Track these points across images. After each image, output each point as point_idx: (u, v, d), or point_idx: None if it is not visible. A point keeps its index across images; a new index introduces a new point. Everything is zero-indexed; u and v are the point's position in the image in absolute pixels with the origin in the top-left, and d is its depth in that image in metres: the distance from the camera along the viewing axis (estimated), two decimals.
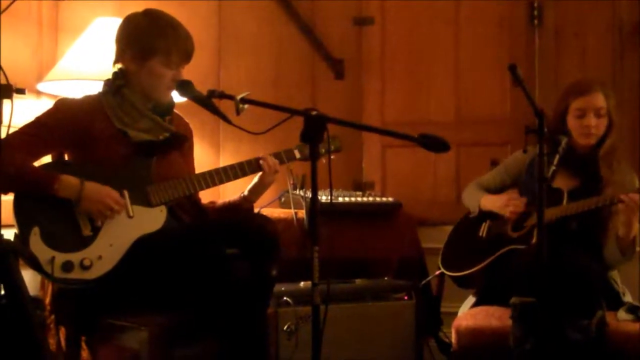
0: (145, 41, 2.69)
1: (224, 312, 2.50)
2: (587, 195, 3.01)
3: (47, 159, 2.80)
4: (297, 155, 2.87)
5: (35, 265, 2.47)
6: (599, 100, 3.07)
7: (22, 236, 2.49)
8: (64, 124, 2.65)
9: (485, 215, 3.29)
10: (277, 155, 2.84)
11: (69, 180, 2.55)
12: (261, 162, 2.79)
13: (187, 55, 2.73)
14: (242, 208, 2.88)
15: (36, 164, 2.65)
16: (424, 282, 3.41)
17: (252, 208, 2.93)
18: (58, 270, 2.47)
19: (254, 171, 2.81)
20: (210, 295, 2.50)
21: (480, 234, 3.25)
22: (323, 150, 2.73)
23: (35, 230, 2.49)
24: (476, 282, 3.17)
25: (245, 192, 2.87)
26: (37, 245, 2.48)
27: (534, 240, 3.00)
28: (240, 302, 2.51)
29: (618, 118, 3.12)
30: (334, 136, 2.92)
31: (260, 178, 2.83)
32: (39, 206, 2.53)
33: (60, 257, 2.49)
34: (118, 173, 2.63)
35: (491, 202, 3.26)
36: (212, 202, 2.94)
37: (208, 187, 2.74)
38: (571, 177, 3.09)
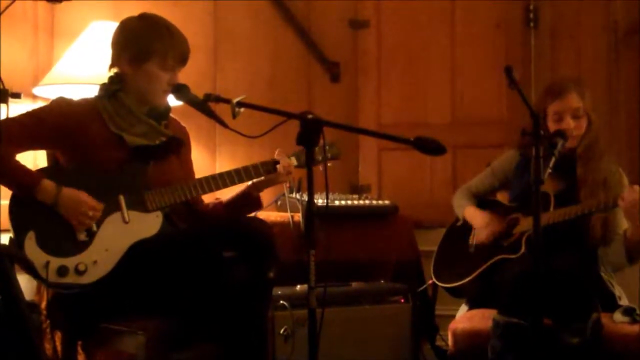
0: (141, 44, 2.68)
1: (221, 316, 2.50)
2: (572, 197, 3.00)
3: (42, 161, 2.80)
4: (294, 162, 2.87)
5: (30, 269, 2.46)
6: (574, 100, 3.03)
7: (17, 240, 2.49)
8: (59, 121, 2.63)
9: None
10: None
11: (47, 186, 2.53)
12: (278, 166, 2.78)
13: (183, 58, 2.72)
14: (250, 197, 2.86)
15: (31, 166, 2.65)
16: (420, 289, 3.40)
17: (259, 198, 2.90)
18: (53, 274, 2.47)
19: (251, 178, 2.80)
20: (208, 299, 2.49)
21: (470, 241, 3.24)
22: (320, 158, 2.73)
23: (31, 234, 2.49)
24: (468, 292, 3.17)
25: (255, 180, 2.84)
26: (32, 249, 2.48)
27: (522, 250, 3.00)
28: (238, 306, 2.50)
29: (596, 116, 3.07)
30: (332, 143, 2.92)
31: (273, 179, 2.81)
32: (35, 211, 2.52)
33: (55, 262, 2.48)
34: (114, 178, 2.63)
35: (473, 217, 3.24)
36: (218, 199, 2.94)
37: (205, 193, 2.73)
38: (556, 179, 3.07)
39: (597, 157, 3.06)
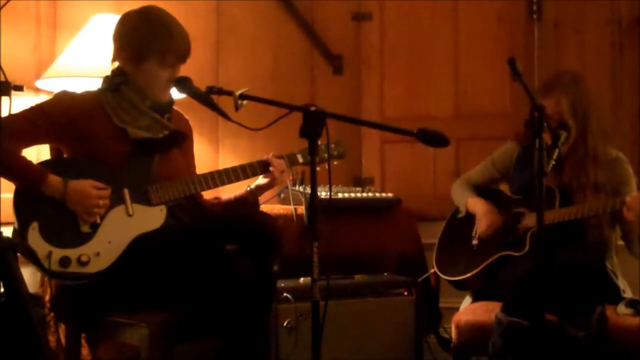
0: (139, 43, 2.67)
1: (224, 309, 2.50)
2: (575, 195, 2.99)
3: (45, 155, 2.80)
4: (300, 159, 2.88)
5: (32, 258, 2.47)
6: (548, 106, 2.93)
7: (21, 230, 2.49)
8: (63, 114, 2.63)
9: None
10: (279, 159, 2.83)
11: (53, 181, 2.54)
12: (271, 168, 2.78)
13: (181, 55, 2.70)
14: (248, 202, 2.86)
15: (35, 160, 2.64)
16: (421, 279, 3.40)
17: (257, 202, 2.91)
18: (55, 265, 2.47)
19: (256, 174, 2.80)
20: (210, 292, 2.49)
21: (473, 234, 3.23)
22: (326, 155, 2.73)
23: (34, 225, 2.49)
24: (471, 285, 3.17)
25: (252, 186, 2.85)
26: (35, 239, 2.48)
27: (527, 248, 3.00)
28: (241, 299, 2.50)
29: (579, 122, 3.00)
30: (338, 141, 2.92)
31: (270, 180, 2.81)
32: (40, 201, 2.52)
33: (58, 253, 2.48)
34: (119, 171, 2.63)
35: (475, 206, 3.24)
36: (217, 198, 2.94)
37: (209, 188, 2.73)
38: (558, 173, 3.05)
39: (581, 161, 3.03)
